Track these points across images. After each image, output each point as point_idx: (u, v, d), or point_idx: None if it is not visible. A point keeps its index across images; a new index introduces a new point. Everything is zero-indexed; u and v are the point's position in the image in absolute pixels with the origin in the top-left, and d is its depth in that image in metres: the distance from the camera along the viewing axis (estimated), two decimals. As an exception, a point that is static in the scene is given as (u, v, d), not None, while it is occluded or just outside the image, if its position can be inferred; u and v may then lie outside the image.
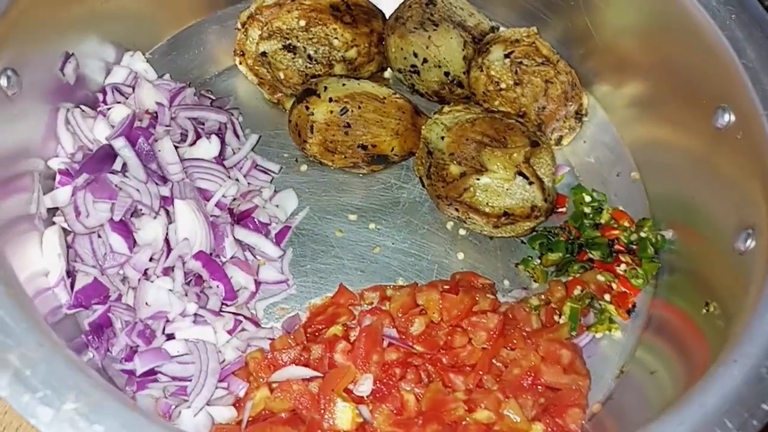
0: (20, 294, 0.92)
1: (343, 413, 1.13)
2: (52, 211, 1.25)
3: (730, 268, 1.12)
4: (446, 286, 1.33)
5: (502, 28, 1.55)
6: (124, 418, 0.80)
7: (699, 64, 1.27)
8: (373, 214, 1.47)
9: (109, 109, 1.36)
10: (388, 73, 1.62)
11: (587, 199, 1.48)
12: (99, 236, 1.24)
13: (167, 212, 1.29)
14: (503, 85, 1.44)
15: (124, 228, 1.24)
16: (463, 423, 1.13)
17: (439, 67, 1.48)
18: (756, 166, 1.13)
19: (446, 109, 1.43)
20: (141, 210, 1.27)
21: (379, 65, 1.57)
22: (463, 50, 1.47)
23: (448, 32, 1.47)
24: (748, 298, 1.00)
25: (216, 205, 1.34)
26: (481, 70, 1.45)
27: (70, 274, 1.20)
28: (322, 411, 1.14)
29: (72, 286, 1.19)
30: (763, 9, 1.21)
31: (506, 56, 1.43)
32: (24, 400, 0.78)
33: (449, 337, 1.25)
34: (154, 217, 1.26)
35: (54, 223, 1.23)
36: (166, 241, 1.26)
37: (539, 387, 1.21)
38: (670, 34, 1.33)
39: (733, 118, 1.20)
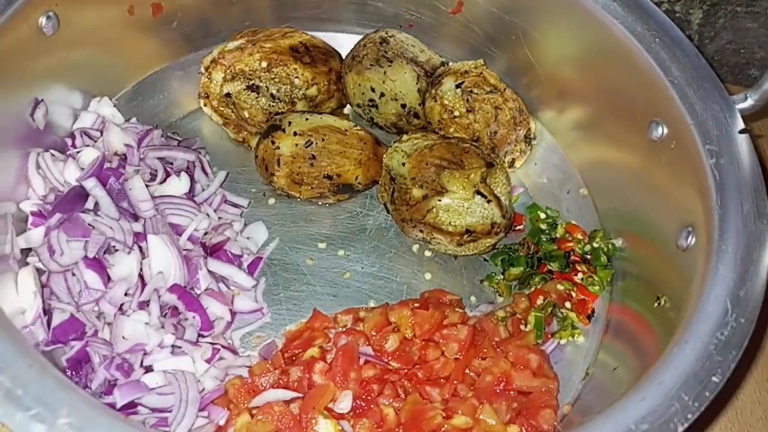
0: (7, 323, 0.93)
1: (326, 430, 1.15)
2: (26, 251, 1.26)
3: (676, 264, 1.21)
4: (416, 304, 1.38)
5: (451, 63, 1.66)
6: (118, 430, 0.81)
7: (631, 84, 1.39)
8: (341, 242, 1.52)
9: (78, 152, 1.39)
10: (347, 110, 1.70)
11: (542, 216, 1.57)
12: (73, 274, 1.25)
13: (140, 248, 1.31)
14: (456, 113, 1.54)
15: (98, 265, 1.26)
16: (442, 430, 1.17)
17: (396, 99, 1.58)
18: (690, 171, 1.24)
19: (405, 137, 1.51)
20: (114, 246, 1.29)
21: (338, 102, 1.66)
22: (417, 83, 1.58)
23: (402, 67, 1.57)
24: (693, 287, 1.09)
25: (188, 239, 1.37)
26: (435, 101, 1.55)
27: (47, 311, 1.21)
28: (305, 430, 1.16)
29: (49, 323, 1.19)
30: (681, 31, 1.35)
31: (457, 86, 1.54)
32: (17, 418, 0.79)
33: (423, 351, 1.30)
34: (128, 253, 1.29)
35: (28, 264, 1.25)
36: (141, 276, 1.29)
37: (512, 392, 1.26)
38: (603, 60, 1.46)
39: (665, 130, 1.31)
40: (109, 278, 1.26)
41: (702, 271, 1.09)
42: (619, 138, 1.48)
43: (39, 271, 1.24)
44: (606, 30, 1.40)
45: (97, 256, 1.26)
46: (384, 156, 1.51)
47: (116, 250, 1.29)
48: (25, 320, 1.17)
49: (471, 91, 1.54)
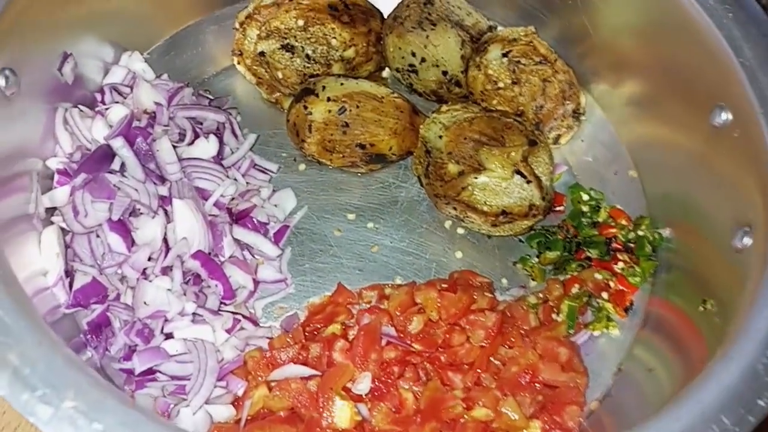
0: (19, 293, 0.92)
1: (342, 411, 1.13)
2: (51, 210, 1.25)
3: (727, 265, 1.12)
4: (444, 285, 1.33)
5: (499, 28, 1.55)
6: (124, 415, 0.80)
7: (696, 62, 1.27)
8: (371, 214, 1.47)
9: (107, 108, 1.36)
10: (386, 73, 1.62)
11: (585, 197, 1.48)
12: (97, 236, 1.24)
13: (165, 212, 1.29)
14: (501, 84, 1.44)
15: (123, 227, 1.24)
16: (461, 421, 1.14)
17: (437, 66, 1.48)
18: (753, 165, 1.13)
19: (444, 108, 1.43)
20: (139, 209, 1.27)
21: (377, 65, 1.57)
22: (461, 49, 1.48)
23: (446, 31, 1.47)
24: (745, 296, 1.00)
25: (214, 205, 1.34)
26: (479, 69, 1.45)
27: (69, 273, 1.20)
28: (321, 409, 1.14)
29: (70, 285, 1.19)
30: (761, 7, 1.21)
31: (504, 55, 1.44)
32: (23, 398, 0.79)
33: (447, 336, 1.25)
34: (153, 217, 1.26)
35: (52, 223, 1.23)
36: (165, 240, 1.26)
37: (537, 385, 1.21)
38: (667, 33, 1.33)
39: (730, 116, 1.20)
40: (133, 242, 1.24)
41: (756, 279, 1.00)
42: (677, 119, 1.37)
43: (63, 232, 1.23)
44: (673, -1, 1.28)
45: (121, 219, 1.24)
46: (421, 126, 1.43)
47: (141, 214, 1.27)
48: (46, 281, 1.16)
49: (518, 62, 1.44)
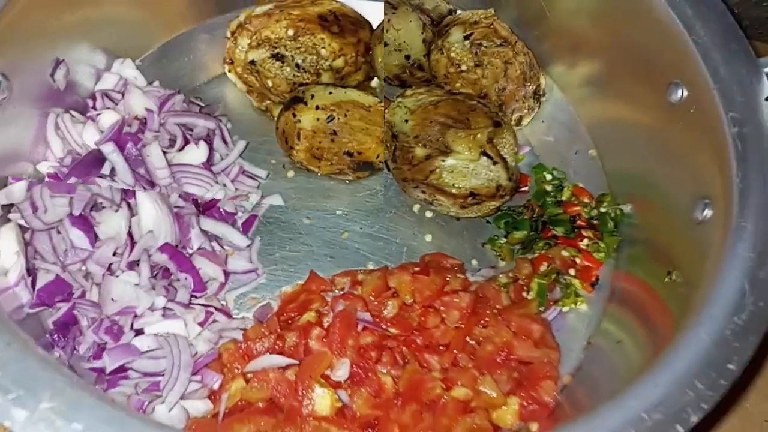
0: (-17, 294, 0.88)
1: (322, 399, 1.13)
2: (7, 207, 1.20)
3: (689, 237, 1.16)
4: (417, 268, 1.34)
5: (459, 11, 1.56)
6: (103, 413, 0.77)
7: (650, 41, 1.30)
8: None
9: (98, 114, 1.34)
10: (375, 83, 1.61)
11: (548, 177, 1.51)
12: (58, 232, 1.20)
13: (129, 205, 1.25)
14: (464, 67, 1.45)
15: (85, 222, 1.20)
16: (441, 401, 1.15)
17: (399, 50, 1.48)
18: (709, 139, 1.17)
19: (408, 92, 1.43)
20: (101, 203, 1.23)
21: (366, 74, 1.57)
22: (423, 33, 1.48)
23: (407, 15, 1.47)
24: (709, 265, 1.04)
25: (179, 196, 1.31)
26: (442, 53, 1.45)
27: (31, 272, 1.16)
28: (300, 398, 1.13)
29: (33, 284, 1.14)
30: (712, -13, 1.25)
31: (466, 38, 1.45)
32: (-4, 402, 0.75)
33: (422, 318, 1.26)
34: (116, 210, 1.23)
35: (9, 220, 1.18)
36: (130, 234, 1.23)
37: (512, 362, 1.23)
38: (621, 13, 1.36)
39: (685, 92, 1.23)
40: (96, 237, 1.21)
41: (718, 248, 1.04)
42: (634, 98, 1.40)
43: (22, 229, 1.18)
44: (626, -21, 1.31)
45: (83, 214, 1.20)
46: (386, 111, 1.43)
47: (103, 208, 1.23)
48: (7, 281, 1.11)
49: (480, 44, 1.45)
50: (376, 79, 1.59)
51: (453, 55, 1.45)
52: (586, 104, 1.55)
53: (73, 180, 1.22)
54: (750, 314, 0.93)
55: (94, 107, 1.38)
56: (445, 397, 1.15)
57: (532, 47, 1.53)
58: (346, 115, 1.39)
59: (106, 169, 1.27)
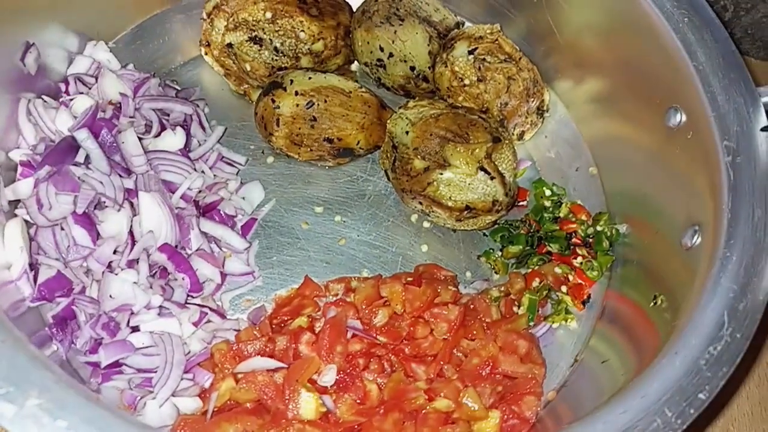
0: (-19, 291, 0.92)
1: (307, 403, 1.16)
2: (14, 203, 1.24)
3: (678, 263, 1.17)
4: (409, 278, 1.36)
5: (467, 24, 1.57)
6: (88, 412, 0.81)
7: (654, 64, 1.31)
8: (338, 207, 1.49)
9: (71, 99, 1.35)
10: (355, 66, 1.63)
11: (547, 193, 1.52)
12: (62, 229, 1.23)
13: (131, 204, 1.29)
14: (467, 81, 1.47)
15: (88, 220, 1.24)
16: (423, 411, 1.17)
17: (405, 61, 1.50)
18: (704, 166, 1.18)
19: (411, 103, 1.45)
20: (104, 202, 1.27)
21: (346, 58, 1.58)
22: (429, 45, 1.49)
23: (414, 27, 1.49)
24: (693, 293, 1.05)
25: (181, 197, 1.34)
26: (446, 66, 1.47)
27: (33, 266, 1.20)
28: (287, 401, 1.16)
29: (35, 278, 1.18)
30: (713, 12, 1.26)
31: (470, 53, 1.46)
32: (-14, 397, 0.79)
33: (412, 328, 1.28)
34: (118, 210, 1.26)
35: (16, 216, 1.23)
36: (131, 233, 1.27)
37: (497, 376, 1.25)
38: (627, 34, 1.37)
39: (684, 118, 1.24)
40: (98, 235, 1.24)
41: (703, 277, 1.05)
42: (635, 118, 1.41)
43: (27, 225, 1.22)
44: (633, 2, 1.31)
45: (86, 212, 1.24)
46: (388, 122, 1.45)
47: (106, 207, 1.27)
48: (10, 275, 1.16)
49: (484, 59, 1.46)
50: (356, 62, 1.60)
51: (457, 69, 1.47)
52: (590, 122, 1.56)
53: (46, 168, 1.21)
54: (725, 345, 0.95)
55: (66, 92, 1.37)
56: (427, 407, 1.17)
57: (539, 62, 1.54)
58: (326, 101, 1.40)
59: (80, 157, 1.25)
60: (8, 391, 0.80)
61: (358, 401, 1.19)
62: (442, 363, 1.25)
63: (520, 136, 1.56)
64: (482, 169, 1.36)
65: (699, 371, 0.92)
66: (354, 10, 1.58)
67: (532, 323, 1.36)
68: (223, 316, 1.32)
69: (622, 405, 0.90)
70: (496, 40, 1.48)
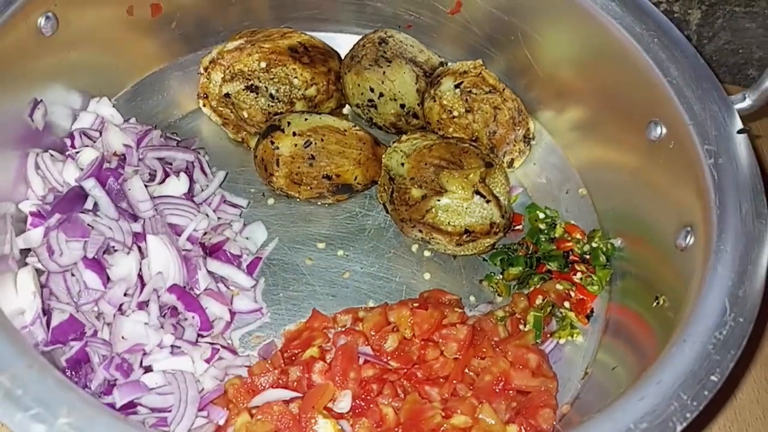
0: (6, 323, 0.93)
1: (325, 429, 1.15)
2: (25, 251, 1.27)
3: (674, 264, 1.22)
4: (416, 304, 1.38)
5: (450, 63, 1.66)
6: (117, 430, 0.81)
7: (630, 84, 1.39)
8: (340, 242, 1.52)
9: (77, 152, 1.40)
10: (346, 110, 1.70)
11: (541, 216, 1.57)
12: (72, 274, 1.25)
13: (140, 248, 1.32)
14: (456, 113, 1.54)
15: (98, 265, 1.26)
16: (441, 429, 1.17)
17: (395, 99, 1.58)
18: (688, 171, 1.24)
19: (404, 137, 1.51)
20: (113, 247, 1.29)
21: (338, 102, 1.66)
22: (416, 83, 1.58)
23: (401, 67, 1.57)
24: (692, 287, 1.09)
25: (188, 239, 1.37)
26: (434, 101, 1.55)
27: (46, 311, 1.21)
28: (305, 429, 1.16)
29: (48, 323, 1.20)
30: (679, 31, 1.35)
31: (456, 86, 1.54)
32: (17, 418, 0.79)
33: (422, 351, 1.30)
34: (128, 253, 1.29)
35: (27, 264, 1.25)
36: (140, 276, 1.29)
37: (511, 391, 1.26)
38: (601, 61, 1.46)
39: (664, 130, 1.32)
40: (108, 278, 1.26)
41: (700, 271, 1.09)
42: (617, 138, 1.48)
43: (38, 272, 1.25)
44: (605, 30, 1.41)
45: (96, 257, 1.26)
46: (383, 156, 1.51)
47: (115, 251, 1.29)
48: (24, 320, 1.17)
49: (470, 91, 1.54)
50: (348, 106, 1.67)
51: (445, 102, 1.54)
52: (575, 147, 1.63)
53: (56, 216, 1.25)
54: (730, 329, 0.98)
55: (72, 146, 1.41)
56: (445, 425, 1.18)
57: (521, 95, 1.62)
58: (322, 140, 1.46)
59: (88, 205, 1.29)
60: (38, 412, 0.80)
61: (376, 425, 1.19)
62: (455, 382, 1.26)
63: (510, 164, 1.63)
64: (478, 192, 1.41)
65: (708, 355, 0.95)
66: (342, 57, 1.67)
67: (539, 340, 1.38)
68: (234, 352, 1.33)
69: (639, 393, 0.92)
70: (480, 73, 1.56)
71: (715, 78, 1.29)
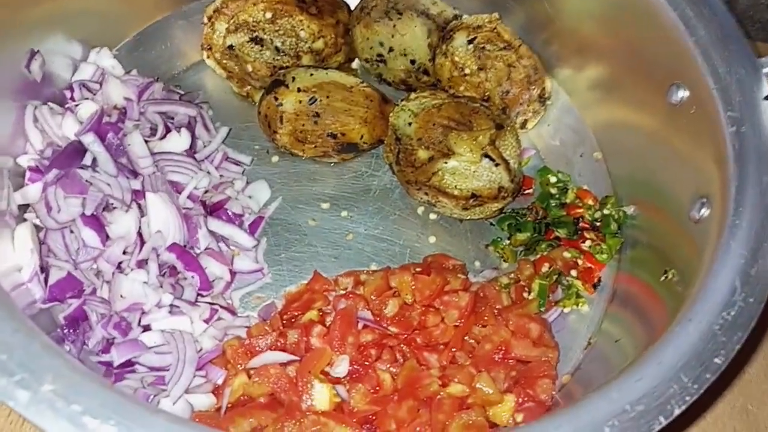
0: (-6, 286, 0.93)
1: (321, 394, 1.15)
2: (23, 207, 1.25)
3: (687, 236, 1.16)
4: (418, 269, 1.36)
5: (465, 16, 1.58)
6: (102, 396, 0.81)
7: (653, 43, 1.31)
8: (345, 202, 1.49)
9: (77, 105, 1.37)
10: (355, 64, 1.64)
11: (553, 180, 1.52)
12: (71, 231, 1.24)
13: (139, 206, 1.30)
14: (467, 71, 1.48)
15: (96, 222, 1.25)
16: (438, 397, 1.16)
17: (405, 55, 1.51)
18: (709, 139, 1.17)
19: (413, 95, 1.46)
20: (113, 204, 1.28)
21: (346, 56, 1.59)
22: (428, 38, 1.50)
23: (413, 20, 1.50)
24: (703, 263, 1.04)
25: (188, 197, 1.35)
26: (446, 57, 1.48)
27: (44, 269, 1.20)
28: (300, 393, 1.15)
29: (46, 281, 1.19)
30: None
31: (469, 42, 1.47)
32: (1, 383, 0.80)
33: (422, 317, 1.28)
34: (126, 211, 1.27)
35: (25, 220, 1.24)
36: (139, 234, 1.27)
37: (510, 361, 1.24)
38: (625, 17, 1.37)
39: (686, 93, 1.24)
40: (107, 236, 1.25)
41: (713, 246, 1.04)
42: (637, 100, 1.41)
43: (36, 228, 1.24)
44: (630, -18, 1.32)
45: (95, 214, 1.25)
46: (390, 114, 1.46)
47: (114, 208, 1.28)
48: (21, 277, 1.16)
49: (483, 48, 1.47)
50: (357, 60, 1.61)
51: (456, 59, 1.47)
52: (592, 107, 1.56)
53: (54, 172, 1.23)
54: (739, 310, 0.94)
55: (72, 98, 1.38)
56: (441, 393, 1.16)
57: (539, 51, 1.55)
58: (328, 97, 1.41)
59: (87, 160, 1.27)
60: (23, 378, 0.80)
61: (372, 390, 1.19)
62: (454, 350, 1.24)
63: (523, 125, 1.56)
64: (486, 156, 1.36)
65: (714, 336, 0.91)
66: (352, 8, 1.59)
67: (543, 309, 1.35)
68: (233, 313, 1.32)
69: (637, 373, 0.89)
70: (495, 28, 1.49)
71: (744, 39, 1.20)
